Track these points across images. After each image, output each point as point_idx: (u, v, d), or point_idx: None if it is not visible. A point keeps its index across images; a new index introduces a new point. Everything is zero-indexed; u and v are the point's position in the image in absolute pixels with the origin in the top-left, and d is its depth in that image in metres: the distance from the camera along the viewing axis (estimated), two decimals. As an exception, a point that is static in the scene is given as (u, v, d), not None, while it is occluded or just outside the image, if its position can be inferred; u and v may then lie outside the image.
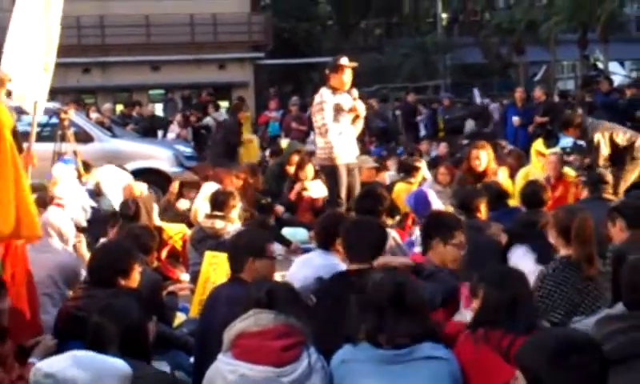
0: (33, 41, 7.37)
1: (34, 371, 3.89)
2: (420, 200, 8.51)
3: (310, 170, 11.47)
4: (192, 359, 5.57)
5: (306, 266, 6.17)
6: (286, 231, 10.38)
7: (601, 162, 10.06)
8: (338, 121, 9.29)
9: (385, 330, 4.01)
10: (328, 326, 4.62)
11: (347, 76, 9.36)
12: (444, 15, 47.70)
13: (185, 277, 8.37)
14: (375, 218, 6.68)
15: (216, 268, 7.02)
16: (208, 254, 7.20)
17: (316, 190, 11.32)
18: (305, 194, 11.42)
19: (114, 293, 4.99)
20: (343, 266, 5.54)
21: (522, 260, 6.18)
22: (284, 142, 16.84)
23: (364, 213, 7.06)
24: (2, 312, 4.99)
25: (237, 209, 8.58)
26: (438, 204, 8.45)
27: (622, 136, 10.31)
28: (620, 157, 10.16)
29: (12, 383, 4.56)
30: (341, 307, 4.54)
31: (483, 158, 9.75)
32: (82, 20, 30.91)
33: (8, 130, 5.60)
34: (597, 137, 10.15)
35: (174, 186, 11.38)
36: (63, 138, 12.68)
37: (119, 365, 3.86)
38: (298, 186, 11.52)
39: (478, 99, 24.80)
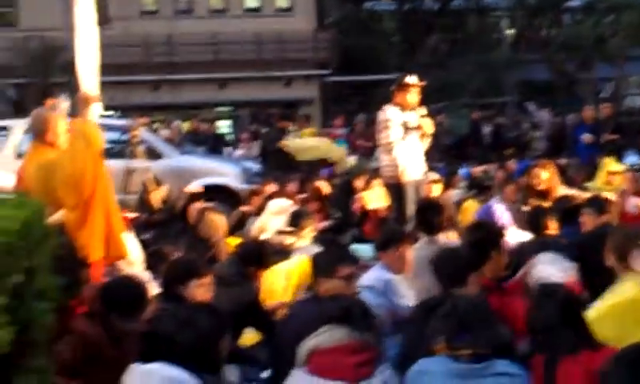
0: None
1: None
2: (489, 215, 8.47)
3: (377, 187, 11.44)
4: (264, 373, 5.62)
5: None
6: (353, 248, 10.34)
7: None
8: (405, 138, 9.24)
9: (466, 338, 3.95)
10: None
11: (413, 95, 9.31)
12: (510, 31, 47.35)
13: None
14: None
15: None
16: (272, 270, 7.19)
17: (378, 201, 11.23)
18: (369, 207, 11.36)
19: (185, 307, 4.98)
20: (389, 278, 5.86)
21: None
22: (351, 159, 16.84)
23: (423, 226, 7.10)
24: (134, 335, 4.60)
25: (309, 229, 8.57)
26: (506, 218, 8.39)
27: None
28: None
29: None
30: None
31: (544, 176, 9.31)
32: (150, 38, 31.49)
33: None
34: None
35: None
36: (133, 155, 12.83)
37: (184, 378, 3.87)
38: (359, 201, 11.51)
39: (536, 114, 24.44)
